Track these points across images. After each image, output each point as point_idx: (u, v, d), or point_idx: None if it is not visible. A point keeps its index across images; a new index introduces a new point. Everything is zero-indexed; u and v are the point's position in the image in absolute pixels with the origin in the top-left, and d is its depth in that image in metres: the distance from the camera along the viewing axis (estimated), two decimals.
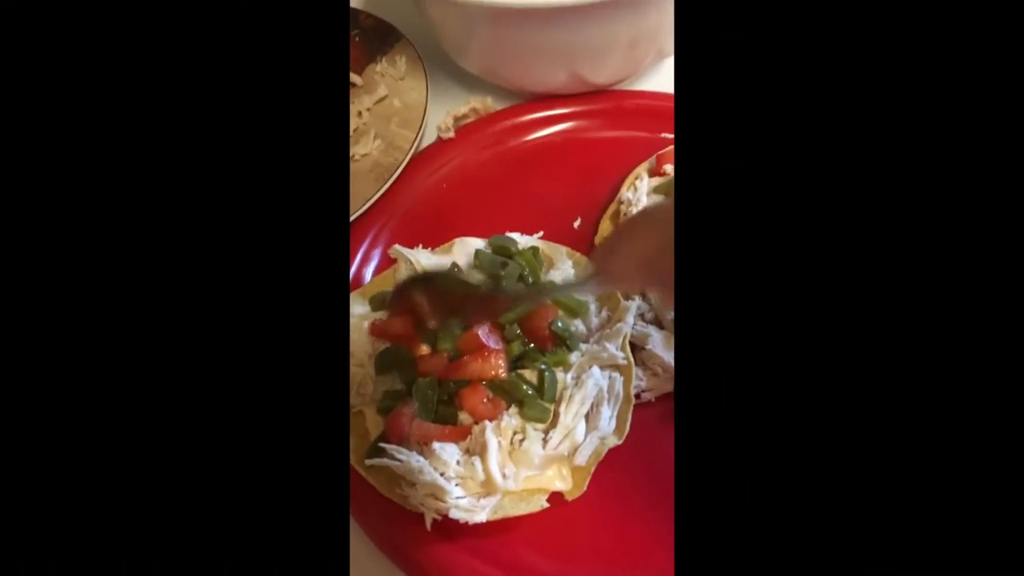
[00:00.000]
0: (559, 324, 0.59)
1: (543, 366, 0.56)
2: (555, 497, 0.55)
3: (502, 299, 0.55)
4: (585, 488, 0.55)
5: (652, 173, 0.72)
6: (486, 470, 0.52)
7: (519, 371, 0.56)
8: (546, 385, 0.55)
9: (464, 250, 0.68)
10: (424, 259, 0.67)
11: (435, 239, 0.71)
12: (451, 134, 0.79)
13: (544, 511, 0.54)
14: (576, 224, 0.73)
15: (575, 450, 0.55)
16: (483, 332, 0.56)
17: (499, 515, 0.53)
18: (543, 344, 0.58)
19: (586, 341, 0.60)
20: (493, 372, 0.55)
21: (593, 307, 0.62)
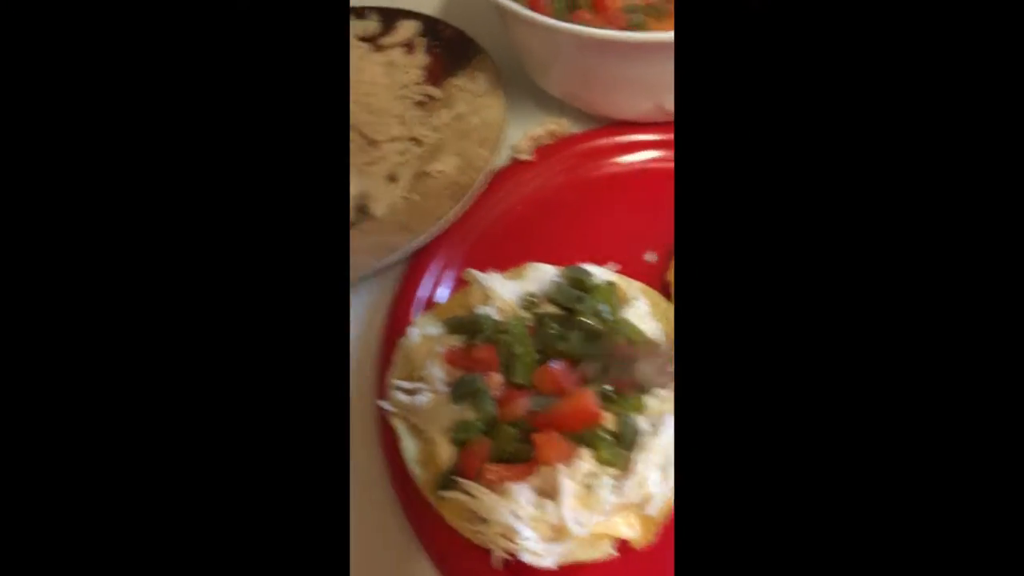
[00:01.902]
0: None
1: (622, 412, 0.55)
2: (622, 544, 0.55)
3: None
4: (654, 539, 0.55)
5: None
6: (560, 516, 0.51)
7: None
8: (626, 433, 0.54)
9: (536, 276, 0.67)
10: (497, 284, 0.66)
11: (506, 262, 0.70)
12: (528, 156, 0.78)
13: (611, 559, 0.54)
14: (648, 257, 0.72)
15: (646, 499, 0.54)
16: (560, 368, 0.56)
17: (567, 560, 0.52)
18: (621, 388, 0.57)
19: (664, 386, 0.59)
20: (593, 422, 0.54)
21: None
